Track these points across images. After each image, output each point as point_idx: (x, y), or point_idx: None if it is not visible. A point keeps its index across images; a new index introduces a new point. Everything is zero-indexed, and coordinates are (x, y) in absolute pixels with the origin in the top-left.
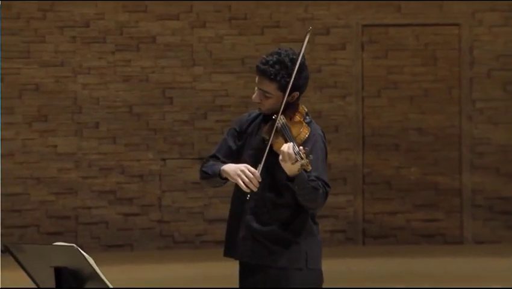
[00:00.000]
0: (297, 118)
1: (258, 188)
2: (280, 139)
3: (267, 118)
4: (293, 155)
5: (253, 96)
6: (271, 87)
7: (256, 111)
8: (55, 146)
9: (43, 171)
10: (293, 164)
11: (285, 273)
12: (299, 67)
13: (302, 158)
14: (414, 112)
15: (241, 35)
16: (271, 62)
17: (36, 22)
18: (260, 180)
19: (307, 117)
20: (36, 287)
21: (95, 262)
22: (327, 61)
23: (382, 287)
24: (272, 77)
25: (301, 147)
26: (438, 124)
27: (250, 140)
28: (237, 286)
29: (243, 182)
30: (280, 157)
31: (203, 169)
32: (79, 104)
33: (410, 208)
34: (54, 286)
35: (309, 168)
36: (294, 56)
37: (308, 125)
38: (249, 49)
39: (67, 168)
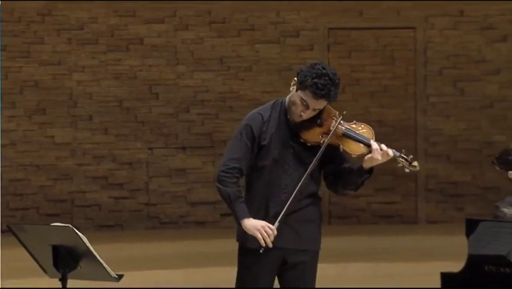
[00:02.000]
0: (349, 122)
1: (266, 191)
2: (354, 143)
3: (287, 125)
4: (391, 153)
5: (304, 114)
6: (325, 104)
7: (267, 109)
8: (53, 137)
9: (42, 159)
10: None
11: (310, 254)
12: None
13: (408, 161)
14: (374, 106)
15: (219, 37)
16: (330, 87)
17: (35, 25)
18: (276, 233)
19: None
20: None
21: (89, 240)
22: (297, 60)
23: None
24: (331, 98)
25: (403, 150)
26: (396, 117)
27: (270, 146)
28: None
29: (262, 237)
30: (374, 155)
31: (232, 187)
32: (74, 99)
33: (371, 191)
34: (52, 262)
35: (417, 168)
36: (335, 71)
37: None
38: (226, 49)
39: (64, 157)
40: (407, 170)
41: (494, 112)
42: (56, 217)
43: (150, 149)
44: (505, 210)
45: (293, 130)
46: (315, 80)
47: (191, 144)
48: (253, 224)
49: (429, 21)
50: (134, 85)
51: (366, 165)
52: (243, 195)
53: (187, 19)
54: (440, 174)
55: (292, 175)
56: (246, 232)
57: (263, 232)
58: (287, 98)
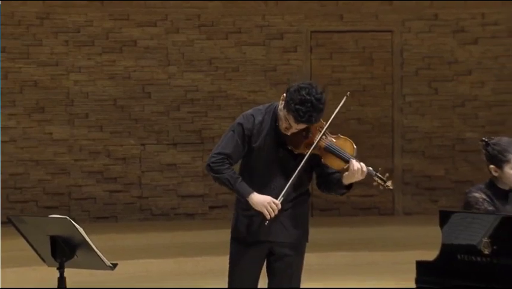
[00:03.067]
0: (334, 135)
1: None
2: (334, 158)
3: (276, 132)
4: (366, 171)
5: (288, 131)
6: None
7: (260, 112)
8: (51, 133)
9: (40, 154)
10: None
11: (297, 247)
12: (325, 105)
13: (383, 180)
14: (354, 105)
15: (208, 39)
16: (312, 113)
17: (34, 28)
18: (280, 208)
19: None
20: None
21: (85, 231)
22: (282, 61)
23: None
24: (315, 122)
25: (379, 169)
26: (374, 115)
27: (260, 143)
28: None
29: (268, 212)
30: (350, 173)
31: (227, 172)
32: (71, 98)
33: None
34: (50, 252)
35: (391, 187)
36: (320, 96)
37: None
38: (215, 51)
39: (61, 152)
40: (381, 188)
41: (466, 110)
42: (54, 209)
43: (143, 145)
44: (476, 194)
45: (281, 137)
46: (297, 106)
47: (181, 140)
48: (260, 201)
49: (405, 25)
50: (128, 84)
51: (345, 181)
52: (239, 176)
53: (177, 22)
54: (415, 169)
55: (280, 178)
56: (238, 225)
57: (269, 208)
58: (279, 105)
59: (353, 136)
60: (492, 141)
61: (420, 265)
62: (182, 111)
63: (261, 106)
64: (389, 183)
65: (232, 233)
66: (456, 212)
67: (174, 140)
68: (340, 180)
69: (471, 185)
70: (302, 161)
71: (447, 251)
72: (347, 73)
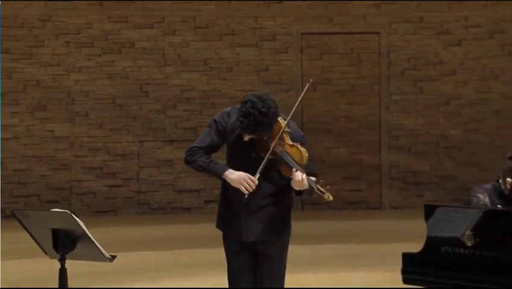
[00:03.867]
0: (287, 139)
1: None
2: (284, 165)
3: None
4: (306, 185)
5: (246, 137)
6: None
7: (236, 112)
8: (53, 131)
9: (42, 151)
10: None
11: (279, 243)
12: (274, 117)
13: (322, 192)
14: (343, 104)
15: (203, 40)
16: (256, 126)
17: (37, 30)
18: (257, 183)
19: (283, 118)
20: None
21: (85, 225)
22: (274, 62)
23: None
24: (258, 134)
25: (321, 181)
26: (362, 113)
27: (234, 144)
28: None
29: (245, 188)
30: (293, 183)
31: (200, 159)
32: (72, 96)
33: (339, 180)
34: (52, 244)
35: (330, 198)
36: (265, 110)
37: (292, 135)
38: (210, 52)
39: (63, 149)
40: (323, 199)
41: (450, 108)
42: (56, 203)
43: (141, 142)
44: (481, 196)
45: (252, 138)
46: (241, 118)
47: (177, 137)
48: (236, 177)
49: (392, 27)
50: (126, 84)
51: (293, 187)
52: (212, 159)
53: (174, 25)
54: (401, 165)
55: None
56: (222, 220)
57: (245, 183)
58: None
59: (342, 134)
60: None
61: (406, 257)
62: (178, 110)
63: (237, 105)
64: (326, 196)
65: (218, 224)
66: (440, 206)
67: (170, 137)
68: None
69: (455, 180)
70: (270, 162)
71: (432, 243)
72: (336, 73)
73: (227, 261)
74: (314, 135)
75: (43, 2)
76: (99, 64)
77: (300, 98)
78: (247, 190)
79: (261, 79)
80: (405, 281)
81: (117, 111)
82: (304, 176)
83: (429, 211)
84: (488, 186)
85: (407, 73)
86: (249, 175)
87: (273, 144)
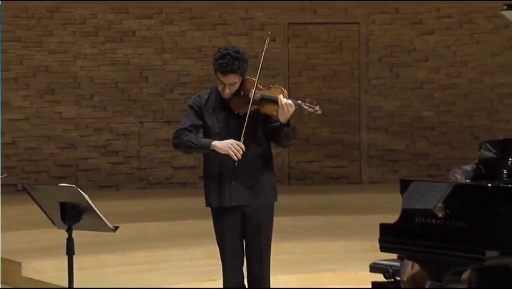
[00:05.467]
0: (260, 86)
1: (219, 159)
2: (268, 104)
3: (220, 101)
4: (293, 105)
5: (226, 92)
6: (236, 78)
7: (206, 92)
8: (60, 112)
9: (51, 131)
10: (288, 112)
11: (268, 205)
12: (245, 57)
13: (312, 107)
14: (326, 88)
15: (198, 30)
16: (234, 62)
17: (45, 20)
18: (244, 149)
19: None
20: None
21: (90, 198)
22: (262, 49)
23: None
24: (237, 69)
25: (307, 100)
26: (344, 96)
27: (210, 117)
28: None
29: (234, 154)
30: (280, 109)
31: (187, 138)
32: (78, 81)
33: (323, 157)
34: (60, 216)
35: (319, 111)
36: (236, 49)
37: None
38: (204, 40)
39: (69, 129)
40: (312, 115)
41: (423, 92)
42: (63, 179)
43: (141, 122)
44: (458, 177)
45: (226, 105)
46: (219, 61)
47: (175, 118)
48: (224, 144)
49: (370, 18)
50: (128, 70)
51: (281, 119)
52: (197, 135)
53: (171, 15)
54: (379, 143)
55: None
56: (209, 193)
57: (233, 148)
58: None
59: (325, 115)
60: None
61: (383, 227)
62: (175, 93)
63: (208, 89)
64: (317, 108)
65: (207, 203)
66: (414, 180)
67: (168, 118)
68: (280, 123)
69: (428, 158)
70: (251, 120)
71: (407, 214)
72: (319, 59)
73: (215, 233)
74: (299, 116)
75: None
76: (103, 51)
77: (264, 51)
78: (236, 156)
79: (251, 65)
80: (382, 249)
81: (119, 94)
82: (290, 100)
83: (404, 186)
84: (468, 167)
85: (384, 59)
86: (235, 141)
87: (252, 92)
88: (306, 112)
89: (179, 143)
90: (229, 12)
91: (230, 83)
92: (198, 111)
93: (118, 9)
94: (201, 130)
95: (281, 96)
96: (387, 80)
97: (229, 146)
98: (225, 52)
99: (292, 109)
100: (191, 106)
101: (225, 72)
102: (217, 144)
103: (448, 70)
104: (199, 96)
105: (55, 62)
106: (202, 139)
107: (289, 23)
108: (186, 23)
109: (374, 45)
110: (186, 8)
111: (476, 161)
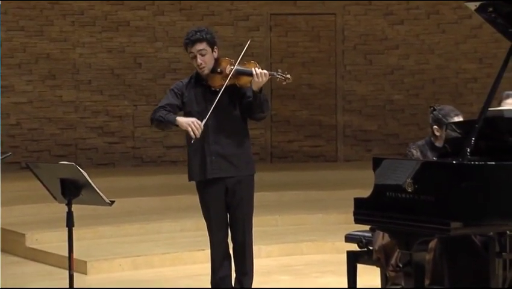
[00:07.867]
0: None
1: (201, 135)
2: (243, 76)
3: (199, 82)
4: (267, 73)
5: (198, 62)
6: (203, 45)
7: (187, 78)
8: (61, 96)
9: (52, 113)
10: (262, 80)
11: (247, 177)
12: (210, 31)
13: (283, 76)
14: (305, 73)
15: (188, 20)
16: (194, 32)
17: (47, 11)
18: (202, 129)
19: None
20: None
21: (88, 175)
22: (247, 38)
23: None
24: (201, 37)
25: (279, 70)
26: (321, 81)
27: (191, 98)
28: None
29: (192, 131)
30: (255, 78)
31: (159, 114)
32: (77, 67)
33: (302, 137)
34: (60, 191)
35: (290, 79)
36: (204, 28)
37: None
38: None
39: (69, 111)
40: (284, 83)
41: (394, 77)
42: (64, 157)
43: (135, 105)
44: (413, 151)
45: (205, 84)
46: (187, 36)
47: (158, 105)
48: (185, 120)
49: (346, 9)
50: (123, 57)
51: (254, 87)
52: (169, 112)
53: (163, 7)
54: (354, 124)
55: (212, 119)
56: (191, 166)
57: (193, 126)
58: None
59: (304, 99)
60: (438, 107)
61: (357, 201)
62: (166, 78)
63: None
64: (288, 76)
65: (190, 177)
66: (386, 158)
67: (160, 102)
68: (253, 93)
69: (398, 138)
70: (229, 96)
71: (379, 190)
72: (299, 47)
73: (202, 207)
74: (281, 100)
75: None
76: (100, 40)
77: (245, 48)
78: (193, 133)
79: (236, 53)
80: (356, 221)
81: (115, 79)
82: (263, 70)
83: (377, 163)
84: (421, 142)
85: (358, 47)
86: (196, 119)
87: (228, 68)
88: (278, 79)
89: (152, 119)
90: (216, 3)
91: (199, 52)
92: (177, 93)
93: (114, 0)
94: (180, 111)
95: (257, 69)
96: (361, 67)
97: (190, 124)
98: (192, 30)
99: (266, 78)
100: (171, 90)
101: (191, 42)
102: (179, 119)
103: (417, 57)
104: (180, 81)
105: (56, 50)
106: (169, 115)
107: (271, 14)
108: (176, 13)
109: (349, 34)
110: (176, 0)
111: (428, 136)
